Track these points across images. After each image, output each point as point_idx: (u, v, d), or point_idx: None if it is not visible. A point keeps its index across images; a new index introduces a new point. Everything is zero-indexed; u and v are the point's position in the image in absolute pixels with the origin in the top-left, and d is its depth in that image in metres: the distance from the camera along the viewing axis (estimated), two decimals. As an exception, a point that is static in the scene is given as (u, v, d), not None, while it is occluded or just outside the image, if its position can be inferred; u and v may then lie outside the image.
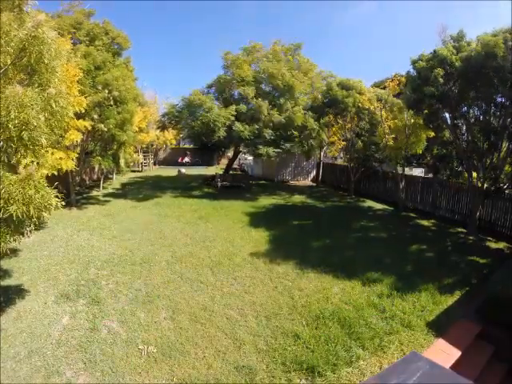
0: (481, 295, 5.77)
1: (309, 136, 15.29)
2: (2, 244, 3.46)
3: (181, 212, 11.04)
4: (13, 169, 3.47)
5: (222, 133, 14.06)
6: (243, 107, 14.72)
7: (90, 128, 9.86)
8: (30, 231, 3.82)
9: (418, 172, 16.52)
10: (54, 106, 3.55)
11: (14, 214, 3.19)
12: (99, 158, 11.02)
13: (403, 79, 12.44)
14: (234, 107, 14.52)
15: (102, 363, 3.79)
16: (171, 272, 6.29)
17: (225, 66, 16.61)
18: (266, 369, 3.86)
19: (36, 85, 3.63)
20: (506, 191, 9.58)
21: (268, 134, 14.25)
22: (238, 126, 13.98)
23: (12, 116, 3.13)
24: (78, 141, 9.46)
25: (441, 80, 8.54)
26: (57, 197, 3.73)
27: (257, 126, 14.20)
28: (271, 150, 14.86)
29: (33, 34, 3.37)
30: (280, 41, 17.65)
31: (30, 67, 3.61)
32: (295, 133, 14.73)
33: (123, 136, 10.85)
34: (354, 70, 69.82)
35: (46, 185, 3.57)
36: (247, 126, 14.15)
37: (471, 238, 9.45)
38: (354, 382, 3.75)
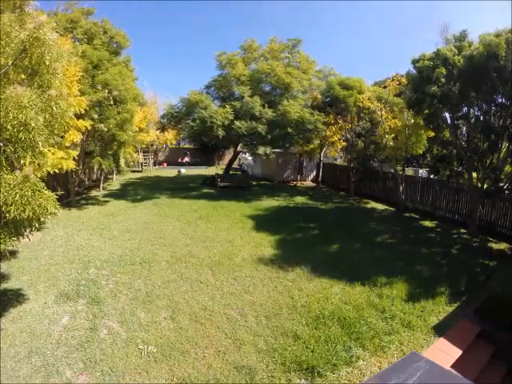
0: (481, 295, 5.78)
1: (305, 129, 15.04)
2: (2, 246, 3.46)
3: (181, 212, 11.04)
4: (12, 170, 3.47)
5: (220, 132, 14.09)
6: (238, 103, 14.77)
7: (89, 128, 9.86)
8: (30, 232, 3.81)
9: (421, 172, 16.53)
10: (54, 109, 3.55)
11: (13, 215, 3.19)
12: (99, 157, 11.02)
13: (403, 79, 12.47)
14: (231, 106, 14.55)
15: (102, 363, 3.79)
16: (171, 272, 6.30)
17: (220, 66, 16.62)
18: (266, 369, 3.86)
19: (37, 86, 3.63)
20: (506, 191, 9.58)
21: (263, 129, 14.25)
22: (237, 124, 14.03)
23: (11, 117, 3.12)
24: (78, 141, 9.45)
25: (443, 80, 8.53)
26: (57, 199, 3.73)
27: (254, 124, 14.24)
28: (269, 149, 14.86)
29: (34, 35, 3.36)
30: (276, 38, 17.66)
31: (30, 68, 3.61)
32: (290, 130, 14.65)
33: (123, 136, 10.85)
34: (354, 70, 69.86)
35: (43, 186, 3.56)
36: (244, 123, 14.22)
37: (472, 238, 9.45)
38: (353, 382, 3.75)
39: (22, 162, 3.42)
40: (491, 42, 7.77)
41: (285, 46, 17.47)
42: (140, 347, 4.08)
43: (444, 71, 8.48)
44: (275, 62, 15.89)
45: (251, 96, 14.90)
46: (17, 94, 3.15)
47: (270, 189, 17.22)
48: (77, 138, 8.95)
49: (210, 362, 3.92)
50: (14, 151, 3.32)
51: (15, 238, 3.70)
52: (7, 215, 3.26)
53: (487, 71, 7.93)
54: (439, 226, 10.80)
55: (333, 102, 14.84)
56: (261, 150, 14.65)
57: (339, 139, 17.24)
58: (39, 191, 3.44)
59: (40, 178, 3.76)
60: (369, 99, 13.78)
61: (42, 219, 3.57)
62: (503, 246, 8.94)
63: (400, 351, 4.29)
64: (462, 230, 10.17)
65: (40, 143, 3.37)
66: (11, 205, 3.21)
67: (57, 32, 3.89)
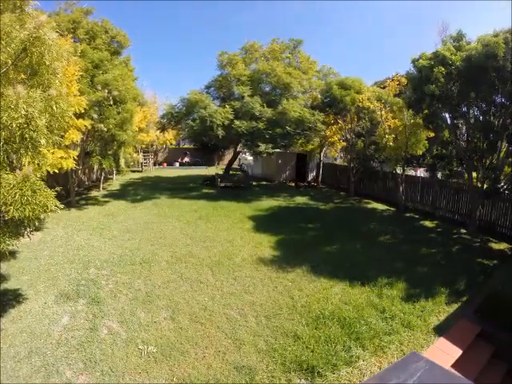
0: (482, 295, 5.78)
1: (305, 128, 15.07)
2: (2, 245, 3.46)
3: (181, 212, 11.04)
4: (12, 169, 3.47)
5: (220, 131, 14.10)
6: (237, 103, 14.78)
7: (89, 127, 9.86)
8: (31, 232, 3.81)
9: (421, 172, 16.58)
10: (54, 108, 3.55)
11: (12, 215, 3.19)
12: (99, 157, 11.02)
13: (403, 79, 12.47)
14: (231, 106, 14.56)
15: (102, 363, 3.79)
16: (171, 272, 6.30)
17: (220, 66, 16.64)
18: (266, 369, 3.86)
19: (37, 85, 3.63)
20: (506, 191, 9.58)
21: (262, 126, 14.26)
22: (236, 123, 14.04)
23: (22, 112, 3.11)
24: (78, 141, 9.45)
25: (442, 79, 8.53)
26: (57, 197, 3.73)
27: (254, 123, 14.26)
28: (270, 147, 14.86)
29: (34, 35, 3.36)
30: (278, 39, 17.68)
31: (30, 68, 3.61)
32: (289, 128, 14.67)
33: (123, 136, 10.85)
34: (354, 70, 69.92)
35: (43, 186, 3.56)
36: (244, 122, 14.23)
37: (472, 238, 9.45)
38: (353, 382, 3.75)
39: (22, 161, 3.42)
40: (489, 42, 7.78)
41: (286, 47, 17.48)
42: (140, 347, 4.08)
43: (443, 71, 8.47)
44: (276, 62, 15.90)
45: (251, 96, 14.90)
46: (21, 93, 3.15)
47: (270, 189, 17.22)
48: (77, 137, 8.94)
49: (210, 362, 3.92)
50: (15, 151, 3.32)
51: (15, 238, 3.70)
52: (6, 215, 3.26)
53: (486, 71, 7.93)
54: (439, 226, 10.80)
55: (332, 102, 14.86)
56: (262, 147, 14.63)
57: (339, 139, 17.24)
58: (39, 190, 3.44)
59: (39, 178, 3.76)
60: (368, 99, 13.78)
61: (41, 217, 3.57)
62: (503, 245, 8.94)
63: (400, 351, 4.29)
64: (462, 230, 10.16)
65: (42, 141, 3.37)
66: (11, 205, 3.21)
67: (57, 32, 3.89)
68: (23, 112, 3.08)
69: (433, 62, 8.77)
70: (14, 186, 3.26)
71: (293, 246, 8.02)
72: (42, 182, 3.61)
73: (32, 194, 3.32)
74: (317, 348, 4.19)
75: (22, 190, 3.27)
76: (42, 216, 3.51)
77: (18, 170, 3.42)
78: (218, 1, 70.03)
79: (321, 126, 15.20)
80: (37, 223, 3.60)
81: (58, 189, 3.97)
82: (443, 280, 6.35)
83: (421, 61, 9.12)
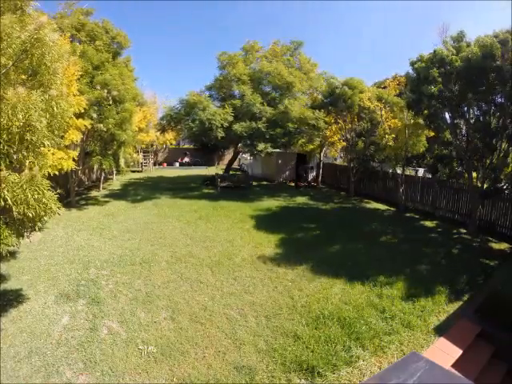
0: (482, 295, 5.78)
1: (308, 124, 15.03)
2: (3, 246, 3.46)
3: (181, 212, 11.04)
4: (18, 170, 3.48)
5: (219, 133, 14.08)
6: (238, 102, 14.75)
7: (89, 127, 9.86)
8: (31, 232, 3.81)
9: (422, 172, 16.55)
10: (55, 109, 3.56)
11: (16, 215, 3.20)
12: (99, 157, 11.02)
13: (403, 79, 12.48)
14: (231, 107, 14.54)
15: (102, 363, 3.79)
16: (171, 272, 6.30)
17: (220, 67, 16.65)
18: (266, 369, 3.86)
19: (37, 86, 3.63)
20: (506, 191, 9.58)
21: (263, 127, 14.22)
22: (235, 126, 14.03)
23: (20, 117, 3.12)
24: (78, 141, 9.45)
25: (439, 80, 8.55)
26: (59, 199, 3.74)
27: (254, 124, 14.24)
28: (269, 146, 14.80)
29: (35, 36, 3.37)
30: (279, 41, 17.70)
31: (31, 69, 3.61)
32: (291, 125, 14.60)
33: (123, 135, 10.86)
34: (354, 70, 69.89)
35: (47, 187, 3.57)
36: (244, 124, 14.19)
37: (472, 238, 9.46)
38: (353, 382, 3.75)
39: (25, 162, 3.42)
40: (486, 43, 7.82)
41: (287, 49, 17.50)
42: (140, 347, 4.09)
43: (436, 73, 8.53)
44: (277, 63, 15.92)
45: (251, 95, 14.90)
46: (21, 96, 3.15)
47: (270, 189, 17.22)
48: (77, 137, 8.94)
49: (210, 362, 3.93)
50: (15, 152, 3.32)
51: (16, 238, 3.71)
52: (11, 214, 3.27)
53: (485, 71, 7.95)
54: (439, 225, 10.80)
55: (334, 101, 14.77)
56: (260, 146, 14.54)
57: (339, 139, 17.24)
58: (42, 191, 3.45)
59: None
60: (369, 99, 13.78)
61: (45, 218, 3.58)
62: (503, 245, 8.94)
63: (400, 351, 4.29)
64: (462, 230, 10.17)
65: (46, 142, 3.38)
66: (15, 204, 3.22)
67: (59, 30, 3.89)
68: (20, 116, 3.08)
69: (431, 63, 8.79)
70: (20, 186, 3.26)
71: (293, 246, 8.02)
72: (48, 181, 3.61)
73: (37, 194, 3.33)
74: (317, 348, 4.19)
75: (25, 190, 3.27)
76: (45, 217, 3.52)
77: (26, 170, 3.42)
78: (218, 1, 69.97)
79: (323, 125, 15.14)
80: (40, 224, 3.60)
81: (59, 191, 3.97)
82: (443, 280, 6.35)
83: (419, 63, 9.15)
